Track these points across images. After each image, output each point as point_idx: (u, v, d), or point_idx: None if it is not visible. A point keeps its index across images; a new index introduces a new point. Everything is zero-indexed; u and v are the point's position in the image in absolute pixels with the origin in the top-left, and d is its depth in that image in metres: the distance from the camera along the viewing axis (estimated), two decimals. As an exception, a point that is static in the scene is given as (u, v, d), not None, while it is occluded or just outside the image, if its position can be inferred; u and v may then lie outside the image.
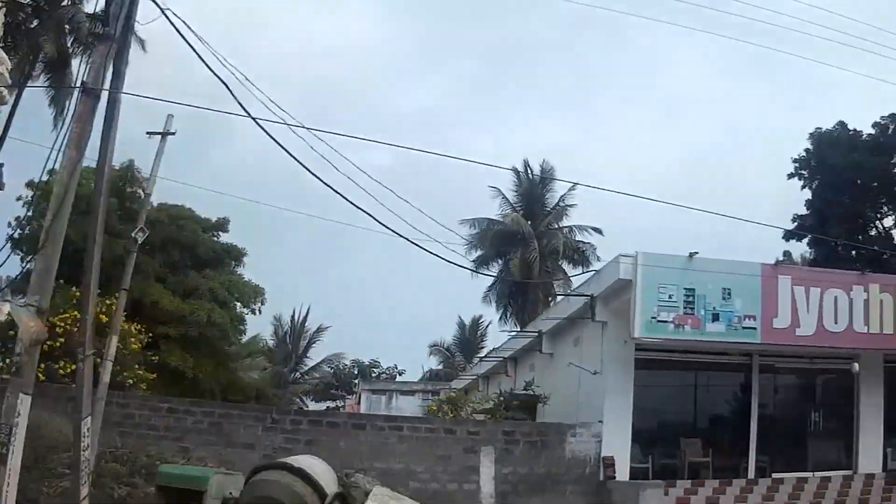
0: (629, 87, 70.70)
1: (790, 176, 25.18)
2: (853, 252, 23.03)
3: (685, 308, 14.49)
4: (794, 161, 25.23)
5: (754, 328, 14.92)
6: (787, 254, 24.31)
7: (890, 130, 24.17)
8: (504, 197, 26.54)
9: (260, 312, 21.27)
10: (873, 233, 24.85)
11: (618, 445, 14.90)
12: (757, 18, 17.96)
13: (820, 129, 24.84)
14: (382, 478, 14.32)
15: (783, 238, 24.39)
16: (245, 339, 26.06)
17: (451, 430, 14.76)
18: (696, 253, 14.69)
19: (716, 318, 14.70)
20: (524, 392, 16.84)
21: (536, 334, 18.50)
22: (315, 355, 30.06)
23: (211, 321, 19.54)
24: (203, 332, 19.58)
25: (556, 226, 27.44)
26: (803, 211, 25.13)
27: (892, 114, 24.36)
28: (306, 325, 29.45)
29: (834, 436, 16.99)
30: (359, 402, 27.32)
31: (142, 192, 20.72)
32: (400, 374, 31.70)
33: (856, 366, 15.88)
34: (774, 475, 15.81)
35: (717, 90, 66.77)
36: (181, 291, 20.17)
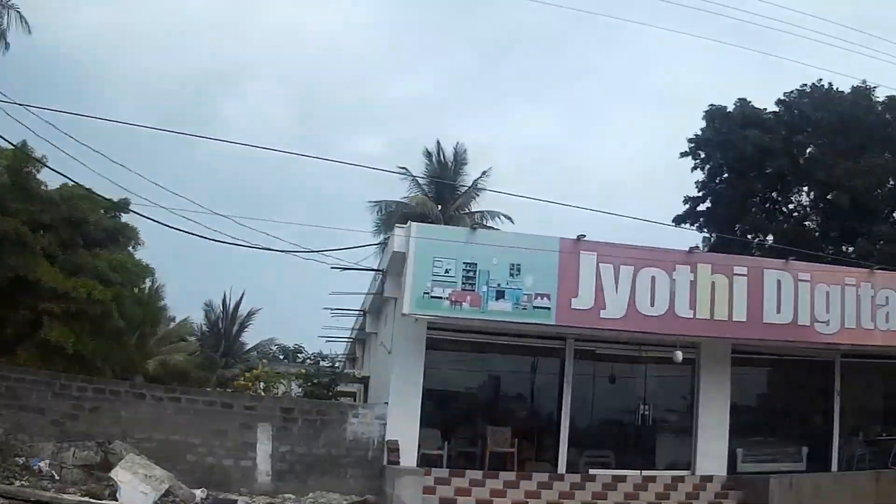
0: (626, 79, 67.84)
1: (683, 155, 23.27)
2: (754, 236, 21.15)
3: (464, 284, 13.56)
4: (690, 140, 23.30)
5: (548, 308, 13.78)
6: (706, 241, 22.47)
7: (794, 108, 21.99)
8: (414, 179, 25.95)
9: (147, 291, 21.60)
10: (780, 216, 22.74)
11: (405, 429, 14.08)
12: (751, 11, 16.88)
13: (714, 105, 22.85)
14: (161, 448, 14.28)
15: (672, 223, 22.76)
16: (177, 321, 26.85)
17: (228, 403, 14.44)
18: (478, 226, 13.80)
19: (500, 295, 13.68)
20: (329, 370, 16.31)
21: (361, 313, 17.90)
22: (253, 339, 30.63)
23: (92, 298, 20.07)
24: (84, 308, 20.15)
25: (467, 210, 26.54)
26: (695, 193, 23.31)
27: (799, 89, 22.14)
28: (239, 310, 29.86)
29: (669, 432, 15.55)
30: (255, 385, 27.58)
31: (35, 171, 21.71)
32: (322, 360, 31.39)
33: (678, 354, 14.41)
34: (592, 471, 14.60)
35: (714, 82, 62.63)
36: (70, 269, 20.85)
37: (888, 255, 19.13)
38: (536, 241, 13.95)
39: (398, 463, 14.03)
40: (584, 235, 14.09)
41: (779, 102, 22.28)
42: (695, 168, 23.20)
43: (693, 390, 15.30)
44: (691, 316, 14.35)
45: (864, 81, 21.53)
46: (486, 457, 14.41)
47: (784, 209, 22.89)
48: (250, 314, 29.31)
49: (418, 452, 14.14)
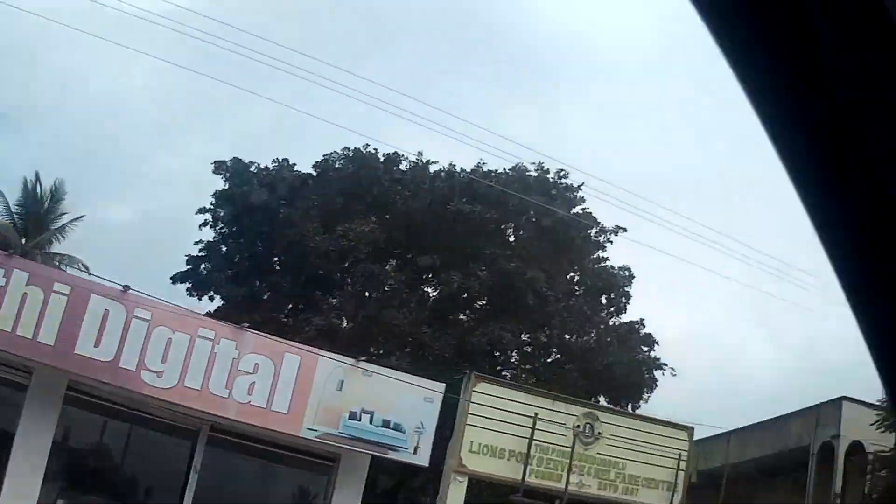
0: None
1: (201, 210, 20.51)
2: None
3: None
4: (214, 195, 20.71)
5: None
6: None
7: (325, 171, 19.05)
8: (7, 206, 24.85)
9: None
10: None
11: None
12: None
13: (236, 159, 20.07)
14: None
15: (172, 280, 20.23)
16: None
17: None
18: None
19: None
20: None
21: None
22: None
23: None
24: None
25: (45, 250, 24.88)
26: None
27: (340, 151, 19.07)
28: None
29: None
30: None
31: None
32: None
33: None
34: None
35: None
36: None
37: (335, 330, 15.33)
38: None
39: None
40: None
41: (315, 165, 19.51)
42: (203, 225, 20.70)
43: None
44: (-12, 331, 12.82)
45: (395, 152, 19.18)
46: None
47: (264, 278, 19.84)
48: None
49: None
